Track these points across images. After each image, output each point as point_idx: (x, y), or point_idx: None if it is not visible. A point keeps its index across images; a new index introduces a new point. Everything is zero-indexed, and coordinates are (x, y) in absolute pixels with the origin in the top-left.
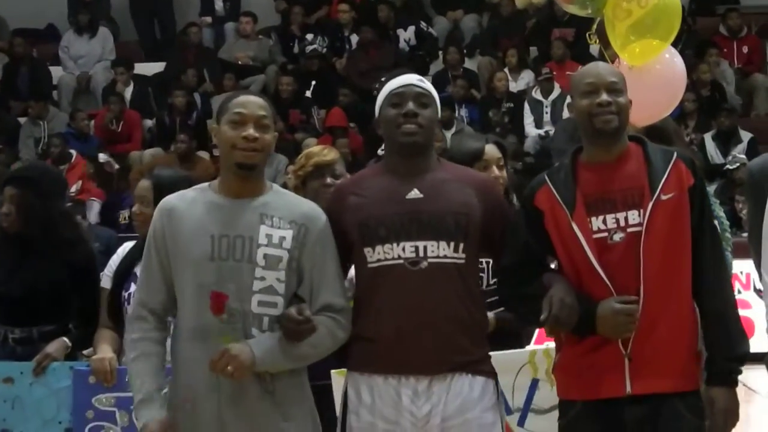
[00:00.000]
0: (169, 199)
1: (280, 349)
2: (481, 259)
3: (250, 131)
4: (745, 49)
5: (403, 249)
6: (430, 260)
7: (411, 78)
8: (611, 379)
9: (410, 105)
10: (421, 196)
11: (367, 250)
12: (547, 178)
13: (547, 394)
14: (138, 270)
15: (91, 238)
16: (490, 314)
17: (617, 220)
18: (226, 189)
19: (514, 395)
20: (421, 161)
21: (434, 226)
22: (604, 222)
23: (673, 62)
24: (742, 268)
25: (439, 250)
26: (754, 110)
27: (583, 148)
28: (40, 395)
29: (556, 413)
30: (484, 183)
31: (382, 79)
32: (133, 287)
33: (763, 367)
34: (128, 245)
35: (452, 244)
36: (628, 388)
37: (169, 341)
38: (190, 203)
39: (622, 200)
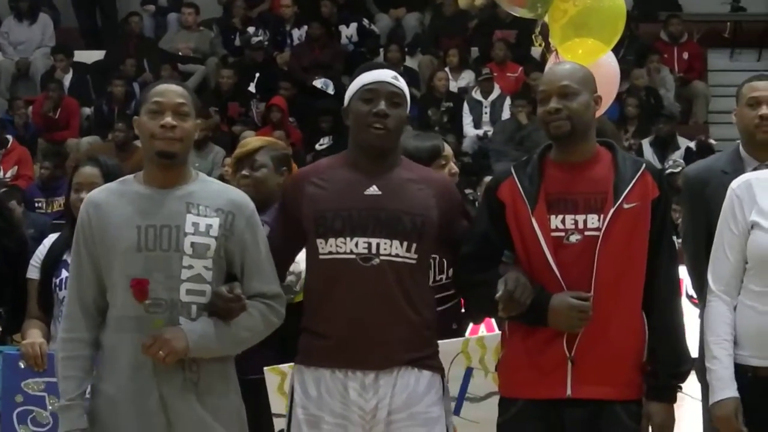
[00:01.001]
0: (95, 193)
1: (213, 333)
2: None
3: (168, 119)
4: (685, 56)
5: (356, 244)
6: (382, 258)
7: (386, 74)
8: (553, 380)
9: (382, 104)
10: (380, 193)
11: (320, 242)
12: (513, 170)
13: (482, 382)
14: (67, 257)
15: (26, 224)
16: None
17: (576, 222)
18: (150, 179)
19: (449, 384)
20: (385, 160)
21: (390, 224)
22: (563, 222)
23: (607, 63)
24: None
25: (392, 249)
26: (692, 118)
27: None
28: None
29: (491, 401)
30: (443, 185)
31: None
32: (64, 273)
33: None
34: (53, 236)
35: (405, 243)
36: (569, 391)
37: None
38: (116, 195)
39: (584, 203)
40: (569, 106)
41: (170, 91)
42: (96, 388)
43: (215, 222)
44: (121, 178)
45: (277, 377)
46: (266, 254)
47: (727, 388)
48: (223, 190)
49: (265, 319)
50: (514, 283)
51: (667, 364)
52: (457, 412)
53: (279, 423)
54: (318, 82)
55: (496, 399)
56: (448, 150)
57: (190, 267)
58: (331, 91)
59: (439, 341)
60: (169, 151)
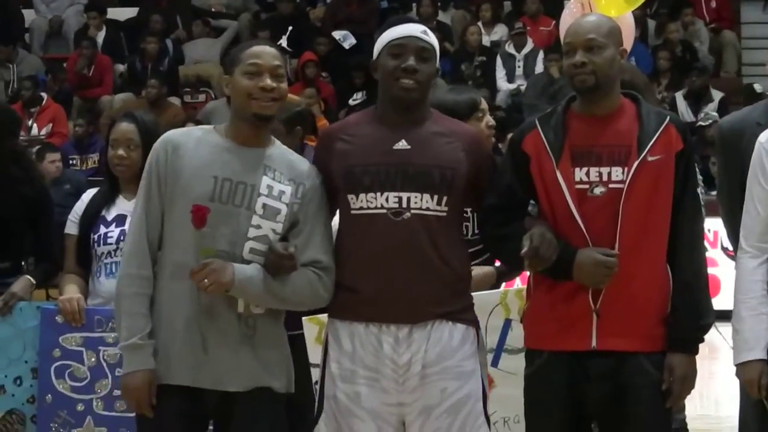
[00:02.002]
0: (174, 135)
1: (261, 281)
2: (466, 209)
3: (267, 81)
4: (713, 4)
5: (387, 199)
6: (413, 211)
7: (415, 29)
8: (578, 332)
9: (411, 60)
10: (409, 147)
11: (351, 197)
12: (537, 123)
13: (520, 334)
14: (105, 213)
15: (63, 180)
16: (491, 268)
17: (600, 174)
18: (233, 135)
19: (486, 336)
20: (413, 114)
21: (419, 178)
22: (587, 174)
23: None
24: (710, 226)
25: (423, 202)
26: (723, 69)
27: (576, 98)
28: (6, 335)
29: None
30: (473, 138)
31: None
32: (102, 229)
33: (729, 324)
34: (92, 191)
35: (436, 197)
36: (594, 343)
37: None
38: (196, 142)
39: (608, 155)
40: (594, 60)
41: (267, 53)
42: (120, 349)
43: (288, 189)
44: (199, 126)
45: (315, 327)
46: (327, 228)
47: (752, 350)
48: (296, 160)
49: (313, 288)
50: (539, 239)
51: (689, 317)
52: (495, 363)
53: (316, 373)
54: (337, 35)
55: None
56: (484, 103)
57: (258, 227)
58: (347, 45)
59: (477, 293)
60: (266, 114)
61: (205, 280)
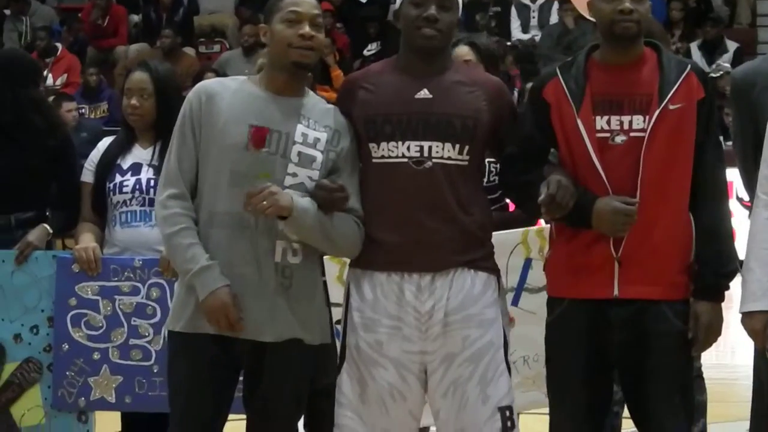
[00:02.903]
0: (209, 84)
1: (314, 214)
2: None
3: (307, 29)
4: None
5: (408, 148)
6: (434, 160)
7: None
8: (600, 280)
9: (432, 9)
10: (431, 96)
11: (372, 146)
12: (558, 71)
13: (540, 273)
14: (121, 162)
15: (80, 128)
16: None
17: (621, 123)
18: (268, 84)
19: (508, 276)
20: (435, 63)
21: (441, 127)
22: (608, 123)
23: None
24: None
25: (444, 152)
26: (737, 21)
27: (599, 47)
28: (22, 283)
29: None
30: (495, 86)
31: None
32: (118, 178)
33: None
34: (108, 140)
35: (457, 146)
36: (616, 291)
37: None
38: (231, 91)
39: (630, 104)
40: (639, 9)
41: (306, 2)
42: (188, 287)
43: (323, 137)
44: (233, 77)
45: (336, 266)
46: (358, 180)
47: (757, 301)
48: (331, 109)
49: (355, 235)
50: (555, 186)
51: (713, 264)
52: (515, 302)
53: (337, 313)
54: None
55: None
56: (458, 54)
57: (294, 175)
58: None
59: (499, 232)
60: (305, 62)
61: (264, 202)
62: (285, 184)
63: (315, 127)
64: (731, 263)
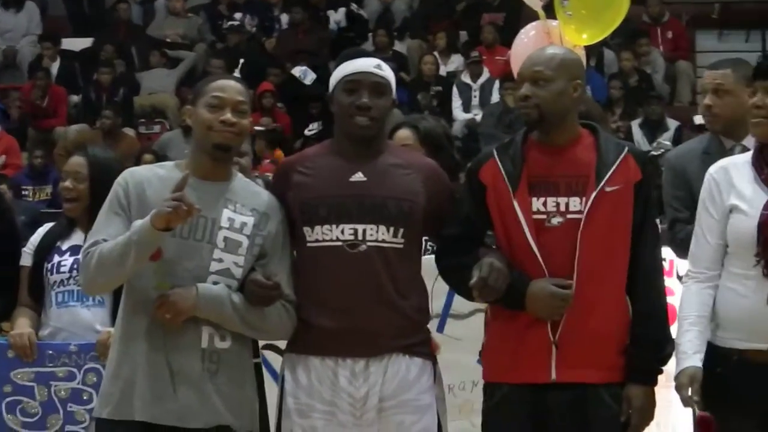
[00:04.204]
0: (139, 171)
1: (228, 302)
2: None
3: (228, 115)
4: (669, 34)
5: (342, 231)
6: (369, 244)
7: (368, 64)
8: (537, 364)
9: (365, 98)
10: (365, 179)
11: (306, 229)
12: (495, 152)
13: (466, 299)
14: (61, 244)
15: (18, 211)
16: None
17: (558, 204)
18: (194, 169)
19: (432, 301)
20: (370, 147)
21: (375, 210)
22: (545, 204)
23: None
24: (665, 255)
25: (379, 235)
26: (677, 98)
27: None
28: None
29: (474, 318)
30: (432, 169)
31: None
32: (56, 258)
33: None
34: (49, 225)
35: (392, 229)
36: (554, 375)
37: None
38: (160, 179)
39: (566, 186)
40: (539, 93)
41: (230, 87)
42: (114, 373)
43: (250, 221)
44: (159, 164)
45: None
46: (290, 260)
47: (688, 359)
48: (258, 192)
49: (281, 318)
50: (488, 269)
51: (648, 347)
52: (440, 329)
53: None
54: (296, 71)
55: (480, 316)
56: (400, 137)
57: (220, 261)
58: (308, 81)
59: (424, 257)
60: (226, 144)
61: (167, 315)
62: (210, 270)
63: (242, 211)
64: (666, 347)
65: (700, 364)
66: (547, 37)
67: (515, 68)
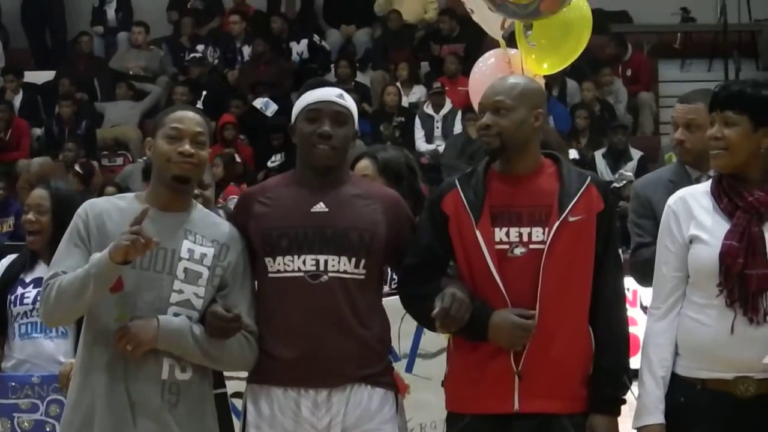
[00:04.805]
0: (99, 203)
1: (189, 334)
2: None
3: (186, 147)
4: (629, 72)
5: (304, 262)
6: (330, 274)
7: (330, 93)
8: (500, 394)
9: (326, 126)
10: (327, 210)
11: (268, 260)
12: (457, 183)
13: (434, 338)
14: (24, 276)
15: None
16: None
17: (520, 235)
18: (153, 200)
19: (400, 342)
20: (332, 177)
21: (337, 240)
22: (507, 234)
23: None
24: (629, 285)
25: (340, 265)
26: (640, 129)
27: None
28: None
29: (442, 357)
30: (393, 200)
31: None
32: (19, 290)
33: None
34: (12, 257)
35: (354, 259)
36: (516, 406)
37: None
38: (120, 211)
39: (529, 216)
40: (499, 122)
41: (189, 118)
42: (75, 403)
43: (210, 252)
44: (120, 195)
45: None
46: (251, 290)
47: (651, 415)
48: (219, 223)
49: (242, 349)
50: (450, 299)
51: (610, 377)
52: (409, 369)
53: None
54: (258, 103)
55: None
56: (360, 168)
57: (180, 291)
58: (270, 112)
59: (388, 298)
60: (185, 176)
61: (127, 346)
62: (171, 302)
63: (202, 242)
64: (626, 377)
65: (663, 419)
66: (508, 66)
67: (474, 95)
